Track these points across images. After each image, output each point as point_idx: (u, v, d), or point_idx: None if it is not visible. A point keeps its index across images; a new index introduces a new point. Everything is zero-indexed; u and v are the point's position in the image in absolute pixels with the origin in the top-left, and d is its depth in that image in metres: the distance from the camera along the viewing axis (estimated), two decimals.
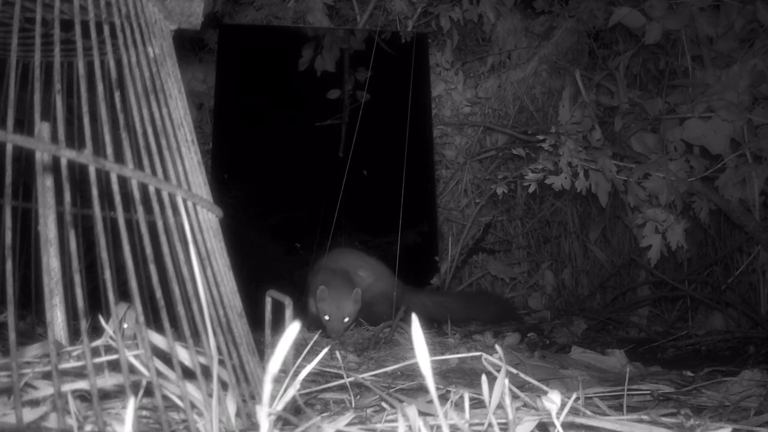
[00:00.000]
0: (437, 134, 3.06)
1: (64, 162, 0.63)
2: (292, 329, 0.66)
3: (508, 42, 3.09)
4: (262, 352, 0.97)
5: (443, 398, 1.06)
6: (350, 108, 2.67)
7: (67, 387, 0.70)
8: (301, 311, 2.45)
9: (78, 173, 0.87)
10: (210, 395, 0.71)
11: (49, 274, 1.01)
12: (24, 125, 0.84)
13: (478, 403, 1.01)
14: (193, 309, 0.73)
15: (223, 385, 0.75)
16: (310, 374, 0.83)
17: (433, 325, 2.47)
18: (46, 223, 1.02)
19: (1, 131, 0.59)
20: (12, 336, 0.59)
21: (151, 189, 0.73)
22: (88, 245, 0.85)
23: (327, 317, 2.31)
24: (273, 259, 2.60)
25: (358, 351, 1.96)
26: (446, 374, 1.57)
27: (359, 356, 1.87)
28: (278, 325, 0.94)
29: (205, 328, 0.73)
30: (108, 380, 0.74)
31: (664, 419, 0.95)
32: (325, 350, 1.02)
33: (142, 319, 0.66)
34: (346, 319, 2.33)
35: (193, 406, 0.71)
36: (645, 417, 0.92)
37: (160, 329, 0.73)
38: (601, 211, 3.06)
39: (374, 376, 1.22)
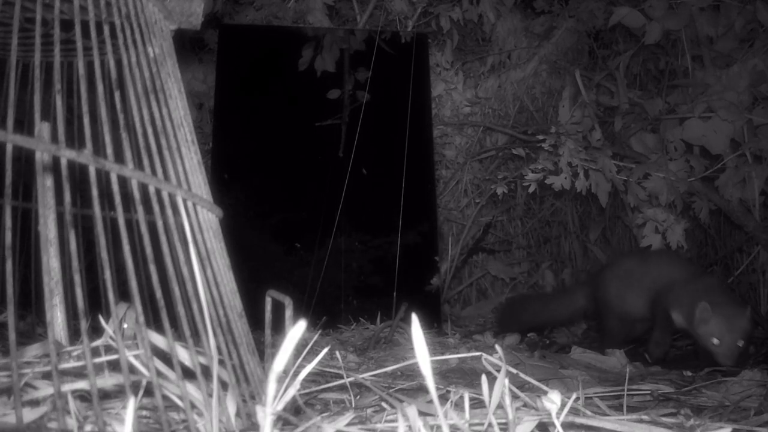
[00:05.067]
0: (437, 134, 3.06)
1: (64, 162, 0.63)
2: (296, 329, 0.66)
3: (508, 42, 3.09)
4: (262, 352, 0.97)
5: (443, 398, 1.06)
6: (350, 108, 2.67)
7: (67, 387, 0.70)
8: (303, 312, 2.44)
9: (78, 173, 0.87)
10: (210, 395, 0.71)
11: (49, 274, 1.01)
12: (24, 125, 0.84)
13: (478, 403, 1.01)
14: (193, 309, 0.73)
15: (223, 385, 0.75)
16: (310, 374, 0.83)
17: (433, 325, 2.47)
18: (46, 223, 1.02)
19: (1, 131, 0.59)
20: (12, 336, 0.59)
21: (151, 189, 0.73)
22: (88, 245, 0.85)
23: (716, 341, 1.92)
24: (273, 259, 2.59)
25: (358, 351, 1.96)
26: (446, 374, 1.57)
27: (359, 356, 1.87)
28: (278, 325, 0.94)
29: (205, 328, 0.73)
30: (108, 380, 0.74)
31: (664, 419, 0.95)
32: (325, 350, 1.02)
33: (142, 319, 0.66)
34: (741, 343, 1.92)
35: (193, 406, 0.71)
36: (645, 417, 0.92)
37: (160, 329, 0.73)
38: (601, 211, 3.06)
39: (374, 376, 1.22)
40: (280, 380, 0.70)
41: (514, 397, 0.88)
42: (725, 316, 1.93)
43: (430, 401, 0.85)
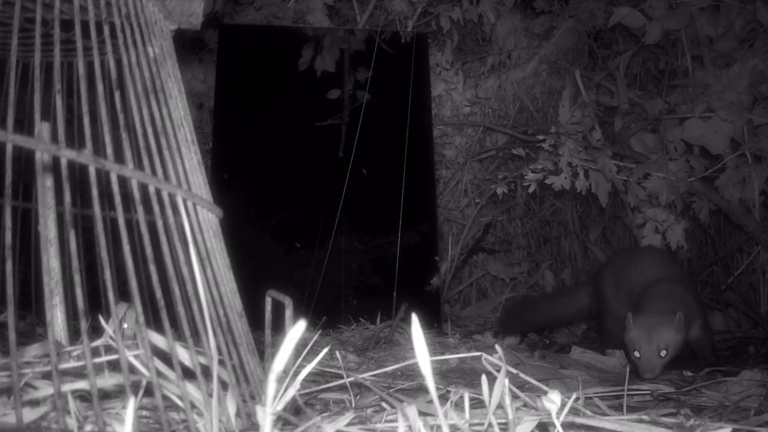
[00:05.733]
0: (437, 134, 3.06)
1: (64, 162, 0.63)
2: (297, 329, 0.66)
3: (508, 42, 3.09)
4: (262, 352, 0.97)
5: (443, 398, 1.06)
6: (350, 108, 2.67)
7: (67, 387, 0.70)
8: (303, 312, 2.44)
9: (78, 173, 0.88)
10: (210, 395, 0.71)
11: (49, 274, 1.01)
12: (24, 125, 0.84)
13: (478, 403, 1.01)
14: (193, 309, 0.73)
15: (223, 385, 0.75)
16: (310, 374, 0.83)
17: (433, 325, 2.47)
18: (46, 223, 1.02)
19: (1, 131, 0.59)
20: (12, 336, 0.59)
21: (151, 189, 0.73)
22: (88, 245, 0.85)
23: (637, 353, 1.80)
24: (273, 259, 2.59)
25: (358, 351, 1.96)
26: (446, 374, 1.57)
27: (359, 356, 1.87)
28: (278, 325, 0.94)
29: (205, 328, 0.73)
30: (108, 380, 0.74)
31: (664, 419, 0.95)
32: (325, 350, 1.02)
33: (142, 319, 0.66)
34: (664, 353, 1.80)
35: (193, 406, 0.71)
36: (645, 417, 0.92)
37: (160, 329, 0.73)
38: (601, 211, 3.06)
39: (374, 376, 1.22)
40: (280, 380, 0.70)
41: (514, 397, 0.88)
42: (645, 325, 1.82)
43: (430, 401, 0.85)
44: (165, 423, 0.65)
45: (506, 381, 0.77)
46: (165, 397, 0.71)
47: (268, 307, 1.00)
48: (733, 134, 2.47)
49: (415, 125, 2.62)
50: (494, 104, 3.12)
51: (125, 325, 0.93)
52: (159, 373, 0.73)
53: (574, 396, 0.88)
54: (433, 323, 2.49)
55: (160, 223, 0.73)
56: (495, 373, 0.83)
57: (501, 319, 2.69)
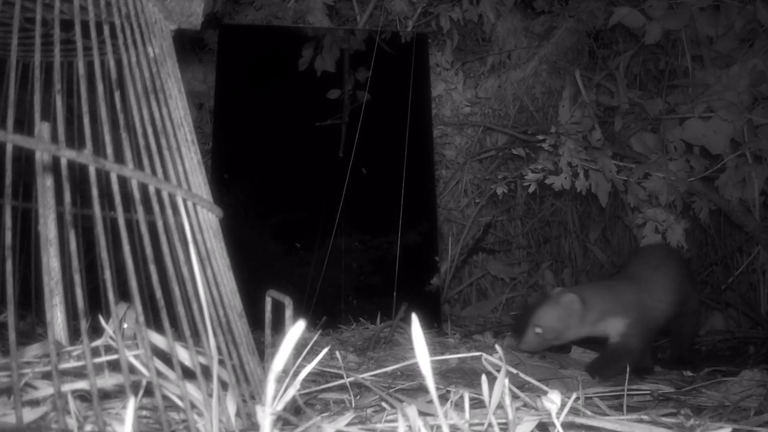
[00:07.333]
0: (437, 134, 3.06)
1: (64, 162, 0.63)
2: (296, 328, 0.65)
3: (508, 42, 3.09)
4: (262, 352, 0.97)
5: (443, 398, 1.06)
6: (350, 108, 2.67)
7: (67, 387, 0.70)
8: (303, 312, 2.43)
9: (78, 173, 0.88)
10: (210, 395, 0.71)
11: (49, 274, 1.01)
12: (24, 125, 0.84)
13: (478, 403, 1.01)
14: (193, 309, 0.73)
15: (223, 385, 0.75)
16: (310, 374, 0.83)
17: (433, 325, 2.47)
18: (46, 223, 1.02)
19: (1, 131, 0.59)
20: (12, 336, 0.59)
21: (151, 189, 0.73)
22: (88, 245, 0.85)
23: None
24: (273, 259, 2.60)
25: (358, 351, 1.96)
26: (446, 374, 1.57)
27: (359, 356, 1.87)
28: (278, 325, 0.94)
29: (205, 328, 0.73)
30: (108, 380, 0.74)
31: (664, 419, 0.95)
32: (325, 350, 1.02)
33: (142, 319, 0.66)
34: (538, 330, 1.82)
35: (193, 406, 0.71)
36: (645, 417, 0.92)
37: (160, 329, 0.73)
38: (601, 211, 3.06)
39: (374, 376, 1.22)
40: (280, 380, 0.70)
41: (514, 397, 0.88)
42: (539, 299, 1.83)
43: (430, 401, 0.85)
44: (165, 423, 0.65)
45: (506, 381, 0.77)
46: (165, 397, 0.71)
47: (268, 307, 1.00)
48: (733, 134, 2.48)
49: (415, 125, 2.62)
50: (494, 104, 3.12)
51: (125, 325, 0.93)
52: (159, 373, 0.73)
53: (574, 396, 0.88)
54: (433, 323, 2.49)
55: (160, 223, 0.73)
56: (495, 373, 0.83)
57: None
